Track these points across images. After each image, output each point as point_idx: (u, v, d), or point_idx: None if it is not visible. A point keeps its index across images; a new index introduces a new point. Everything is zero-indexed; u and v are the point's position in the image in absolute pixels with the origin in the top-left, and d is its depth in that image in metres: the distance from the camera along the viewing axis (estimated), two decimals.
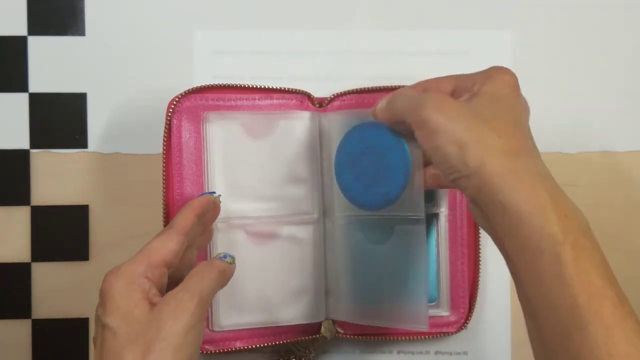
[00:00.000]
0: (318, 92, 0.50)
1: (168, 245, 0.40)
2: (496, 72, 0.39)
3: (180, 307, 0.37)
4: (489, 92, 0.38)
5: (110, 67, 0.52)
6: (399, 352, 0.53)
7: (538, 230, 0.33)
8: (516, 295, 0.53)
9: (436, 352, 0.53)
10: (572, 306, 0.32)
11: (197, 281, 0.39)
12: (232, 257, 0.42)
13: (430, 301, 0.50)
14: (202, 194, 0.45)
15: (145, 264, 0.39)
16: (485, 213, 0.35)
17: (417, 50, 0.53)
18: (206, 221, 0.45)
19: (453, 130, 0.35)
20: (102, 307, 0.38)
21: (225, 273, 0.41)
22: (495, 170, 0.34)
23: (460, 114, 0.36)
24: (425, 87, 0.42)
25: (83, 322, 0.52)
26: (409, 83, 0.50)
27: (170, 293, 0.38)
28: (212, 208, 0.44)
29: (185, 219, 0.42)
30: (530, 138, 0.37)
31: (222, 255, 0.42)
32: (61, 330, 0.52)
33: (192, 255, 0.44)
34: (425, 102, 0.37)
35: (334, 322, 0.50)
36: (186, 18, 0.53)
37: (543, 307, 0.33)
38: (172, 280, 0.40)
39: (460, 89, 0.40)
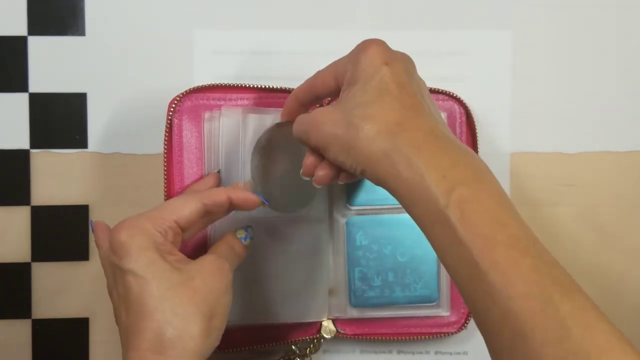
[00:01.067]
0: None
1: (185, 209, 0.41)
2: (360, 51, 0.38)
3: (223, 270, 0.40)
4: (357, 79, 0.38)
5: (110, 67, 0.52)
6: (399, 352, 0.53)
7: (426, 200, 0.34)
8: None
9: (436, 352, 0.53)
10: (470, 263, 0.32)
11: (225, 251, 0.42)
12: (251, 239, 0.44)
13: (430, 301, 0.50)
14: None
15: (159, 225, 0.39)
16: (394, 196, 0.36)
17: (417, 50, 0.53)
18: (219, 214, 0.44)
19: (335, 138, 0.37)
20: (121, 259, 0.38)
21: (242, 257, 0.44)
22: (378, 157, 0.35)
23: (335, 120, 0.37)
24: (314, 84, 0.42)
25: (83, 322, 0.52)
26: None
27: (207, 258, 0.40)
28: (223, 210, 0.44)
29: (212, 193, 0.42)
30: (408, 100, 0.37)
31: (243, 235, 0.44)
32: (61, 330, 0.52)
33: (202, 225, 0.44)
34: (308, 126, 0.38)
35: (334, 322, 0.50)
36: (186, 18, 0.53)
37: (452, 270, 0.34)
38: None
39: (340, 78, 0.40)
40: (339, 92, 0.40)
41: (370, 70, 0.37)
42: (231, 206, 0.43)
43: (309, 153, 0.40)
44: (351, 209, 0.50)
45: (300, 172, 0.41)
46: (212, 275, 0.39)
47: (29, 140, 0.52)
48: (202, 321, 0.37)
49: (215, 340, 0.38)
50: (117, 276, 0.38)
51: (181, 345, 0.36)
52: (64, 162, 0.52)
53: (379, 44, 0.38)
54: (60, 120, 0.52)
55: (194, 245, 0.48)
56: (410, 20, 0.53)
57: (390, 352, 0.53)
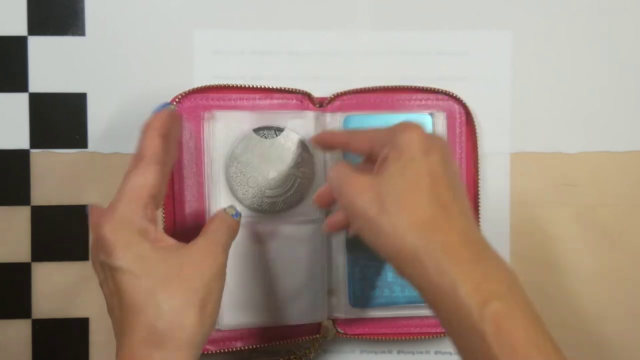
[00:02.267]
0: (318, 92, 0.50)
1: (149, 180, 0.39)
2: (400, 134, 0.38)
3: (215, 253, 0.39)
4: (395, 161, 0.37)
5: (110, 67, 0.53)
6: (399, 352, 0.53)
7: (456, 309, 0.33)
8: None
9: (436, 352, 0.53)
10: None
11: (216, 231, 0.40)
12: (240, 215, 0.43)
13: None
14: (158, 108, 0.42)
15: (138, 206, 0.38)
16: (417, 291, 0.36)
17: (417, 50, 0.53)
18: (171, 138, 0.42)
19: (365, 216, 0.36)
20: (109, 255, 0.37)
21: (235, 230, 0.42)
22: (406, 255, 0.34)
23: (369, 198, 0.36)
24: (347, 140, 0.42)
25: (83, 322, 0.52)
26: (409, 83, 0.50)
27: (198, 242, 0.39)
28: (175, 122, 0.42)
29: (153, 145, 0.40)
30: (443, 195, 0.36)
31: (233, 212, 0.43)
32: (61, 330, 0.52)
33: (166, 178, 0.42)
34: (342, 187, 0.38)
35: (334, 322, 0.50)
36: (186, 18, 0.53)
37: None
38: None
39: (376, 149, 0.39)
40: (370, 156, 0.40)
41: (408, 155, 0.37)
42: (167, 135, 0.42)
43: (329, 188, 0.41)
44: None
45: (313, 198, 0.43)
46: (203, 260, 0.38)
47: (29, 140, 0.52)
48: (194, 312, 0.36)
49: (209, 327, 0.38)
50: (106, 272, 0.38)
51: (174, 338, 0.36)
52: (64, 162, 0.52)
53: (418, 129, 0.38)
54: (60, 120, 0.52)
55: (192, 223, 0.48)
56: (410, 20, 0.53)
57: (390, 352, 0.53)
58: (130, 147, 0.52)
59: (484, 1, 0.54)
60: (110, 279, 0.37)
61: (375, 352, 0.53)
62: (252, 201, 0.48)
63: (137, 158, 0.40)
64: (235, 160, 0.48)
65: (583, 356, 0.53)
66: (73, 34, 0.53)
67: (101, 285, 0.39)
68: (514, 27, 0.54)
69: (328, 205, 0.43)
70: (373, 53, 0.53)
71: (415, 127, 0.38)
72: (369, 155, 0.40)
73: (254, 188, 0.48)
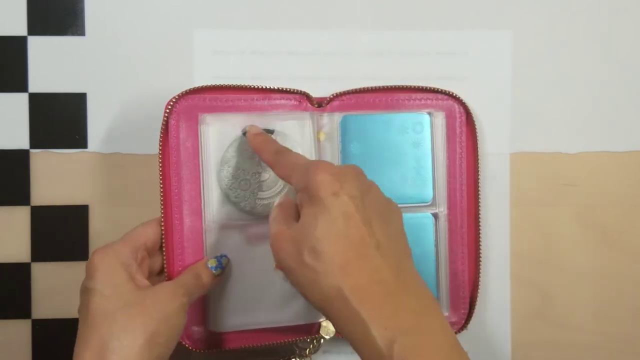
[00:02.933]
0: (318, 92, 0.50)
1: (149, 232, 0.46)
2: (310, 176, 0.38)
3: (176, 294, 0.43)
4: (308, 205, 0.38)
5: (110, 67, 0.53)
6: None
7: (370, 353, 0.35)
8: (516, 295, 0.53)
9: None
10: None
11: (185, 280, 0.45)
12: (221, 269, 0.47)
13: None
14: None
15: (130, 246, 0.44)
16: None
17: (417, 50, 0.53)
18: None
19: (290, 270, 0.38)
20: (89, 279, 0.42)
21: (207, 287, 0.46)
22: (325, 302, 0.36)
23: (291, 251, 0.38)
24: (273, 164, 0.43)
25: None
26: (409, 83, 0.50)
27: (164, 283, 0.44)
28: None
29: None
30: (355, 236, 0.37)
31: (214, 264, 0.46)
32: (61, 330, 0.52)
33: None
34: (273, 243, 0.39)
35: None
36: (186, 18, 0.53)
37: None
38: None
39: (293, 184, 0.40)
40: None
41: (318, 201, 0.37)
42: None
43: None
44: None
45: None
46: (164, 296, 0.42)
47: (29, 140, 0.52)
48: (144, 336, 0.40)
49: (158, 356, 0.41)
50: (83, 296, 0.42)
51: (122, 356, 0.39)
52: (64, 162, 0.52)
53: (326, 169, 0.38)
54: (60, 120, 0.52)
55: (190, 223, 0.48)
56: (410, 20, 0.53)
57: None
58: (130, 147, 0.52)
59: (484, 1, 0.54)
60: (84, 301, 0.42)
61: None
62: (246, 204, 0.48)
63: (152, 220, 0.47)
64: (226, 164, 0.48)
65: (583, 356, 0.53)
66: (73, 34, 0.53)
67: (78, 312, 0.43)
68: (513, 27, 0.54)
69: None
70: (373, 53, 0.53)
71: (323, 167, 0.38)
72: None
73: (247, 191, 0.48)
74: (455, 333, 0.50)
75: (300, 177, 0.39)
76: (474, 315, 0.51)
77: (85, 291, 0.42)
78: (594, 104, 0.54)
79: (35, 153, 0.52)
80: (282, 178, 0.42)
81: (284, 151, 0.43)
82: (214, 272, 0.46)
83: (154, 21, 0.53)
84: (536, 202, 0.53)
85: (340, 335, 0.37)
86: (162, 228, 0.46)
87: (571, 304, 0.53)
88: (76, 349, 0.40)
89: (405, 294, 0.36)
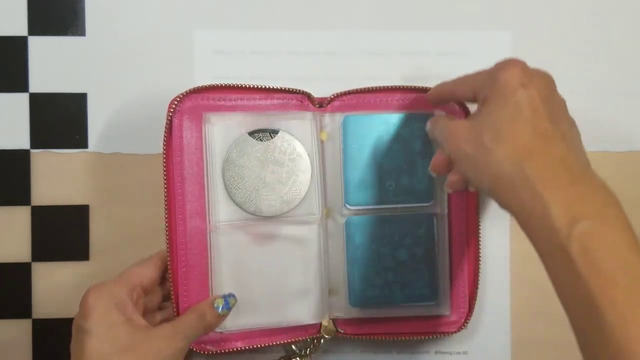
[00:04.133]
0: (318, 92, 0.50)
1: (145, 271, 0.45)
2: (499, 71, 0.39)
3: (174, 339, 0.42)
4: (493, 98, 0.39)
5: (110, 67, 0.52)
6: (399, 352, 0.53)
7: (546, 230, 0.34)
8: (516, 295, 0.53)
9: (436, 352, 0.53)
10: (587, 299, 0.32)
11: (186, 322, 0.44)
12: (228, 309, 0.46)
13: (430, 300, 0.50)
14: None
15: (126, 286, 0.43)
16: (516, 220, 0.37)
17: (417, 50, 0.53)
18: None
19: (467, 158, 0.39)
20: (84, 318, 0.41)
21: (212, 327, 0.45)
22: (505, 183, 0.36)
23: (469, 139, 0.39)
24: (453, 93, 0.45)
25: None
26: (409, 83, 0.50)
27: (163, 326, 0.43)
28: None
29: (162, 255, 0.48)
30: (541, 126, 0.37)
31: (221, 304, 0.45)
32: (61, 330, 0.52)
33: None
34: (444, 137, 0.41)
35: (334, 321, 0.50)
36: (186, 18, 0.53)
37: (567, 304, 0.34)
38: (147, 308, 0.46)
39: (477, 92, 0.41)
40: (474, 101, 0.42)
41: (506, 91, 0.38)
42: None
43: (441, 152, 0.43)
44: (350, 209, 0.50)
45: (429, 167, 0.46)
46: (162, 342, 0.42)
47: (29, 140, 0.52)
48: None
49: None
50: (77, 334, 0.41)
51: None
52: (64, 162, 0.52)
53: (517, 64, 0.39)
54: (60, 120, 0.52)
55: (193, 224, 0.48)
56: (410, 20, 0.53)
57: (390, 352, 0.53)
58: (130, 147, 0.52)
59: (484, 2, 0.54)
60: (78, 340, 0.41)
61: (375, 352, 0.53)
62: (251, 204, 0.48)
63: (148, 258, 0.47)
64: (231, 164, 0.48)
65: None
66: (73, 34, 0.53)
67: (72, 349, 0.42)
68: (513, 27, 0.54)
69: (445, 170, 0.44)
70: (373, 53, 0.53)
71: (514, 62, 0.39)
72: (474, 100, 0.42)
73: (252, 191, 0.48)
74: (455, 332, 0.50)
75: (486, 77, 0.40)
76: (474, 314, 0.51)
77: (80, 330, 0.41)
78: (594, 104, 0.54)
79: (35, 153, 0.52)
80: (465, 99, 0.44)
81: (460, 77, 0.44)
82: (220, 312, 0.45)
83: (154, 21, 0.53)
84: None
85: (513, 214, 0.37)
86: (159, 271, 0.47)
87: None
88: None
89: (590, 185, 0.36)
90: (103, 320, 0.41)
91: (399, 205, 0.49)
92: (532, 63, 0.53)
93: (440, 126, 0.43)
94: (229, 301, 0.46)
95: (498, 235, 0.53)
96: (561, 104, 0.40)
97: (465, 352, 0.53)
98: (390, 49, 0.53)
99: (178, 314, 0.47)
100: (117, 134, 0.52)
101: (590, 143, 0.53)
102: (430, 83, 0.50)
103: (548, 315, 0.53)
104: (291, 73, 0.53)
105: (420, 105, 0.50)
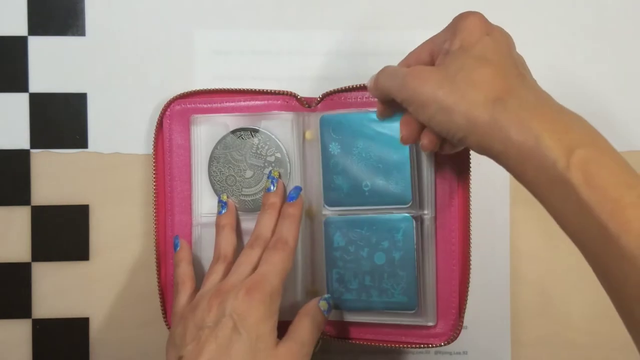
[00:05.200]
0: (318, 93, 0.50)
1: (286, 265, 0.43)
2: (459, 21, 0.38)
3: (300, 353, 0.41)
4: (458, 47, 0.37)
5: (110, 67, 0.53)
6: (398, 352, 0.53)
7: (541, 163, 0.33)
8: (516, 295, 0.53)
9: (436, 352, 0.53)
10: (599, 227, 0.31)
11: (307, 331, 0.42)
12: (330, 309, 0.45)
13: (408, 309, 0.46)
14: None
15: (282, 282, 0.42)
16: (498, 162, 0.35)
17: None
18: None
19: (436, 99, 0.36)
20: (240, 314, 0.39)
21: (322, 326, 0.44)
22: (484, 123, 0.34)
23: (437, 80, 0.36)
24: (407, 62, 0.42)
25: (83, 322, 0.52)
26: None
27: (289, 346, 0.41)
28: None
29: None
30: (512, 70, 0.36)
31: (326, 308, 0.45)
32: (61, 330, 0.52)
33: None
34: (405, 79, 0.38)
35: None
36: (186, 18, 0.53)
37: (576, 236, 0.33)
38: None
39: (436, 51, 0.40)
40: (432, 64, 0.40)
41: (471, 39, 0.37)
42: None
43: (406, 119, 0.40)
44: (329, 210, 0.48)
45: (400, 139, 0.41)
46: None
47: (29, 140, 0.52)
48: None
49: None
50: (223, 323, 0.39)
51: None
52: (64, 162, 0.52)
53: (478, 15, 0.38)
54: (60, 120, 0.52)
55: (181, 222, 0.50)
56: (411, 20, 0.53)
57: (390, 351, 0.53)
58: (130, 147, 0.52)
59: (484, 1, 0.53)
60: (226, 330, 0.39)
61: (375, 352, 0.53)
62: (232, 199, 0.49)
63: (284, 244, 0.44)
64: (214, 160, 0.49)
65: (583, 356, 0.53)
66: (73, 34, 0.53)
67: (206, 323, 0.40)
68: (513, 27, 0.53)
69: (416, 134, 0.40)
70: (373, 53, 0.53)
71: (474, 12, 0.38)
72: (432, 63, 0.40)
73: (232, 186, 0.49)
74: (444, 344, 0.47)
75: (445, 32, 0.39)
76: (474, 314, 0.51)
77: (229, 322, 0.39)
78: (594, 103, 0.54)
79: (35, 153, 0.52)
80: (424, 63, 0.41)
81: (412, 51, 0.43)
82: (326, 315, 0.45)
83: (154, 21, 0.53)
84: (536, 201, 0.53)
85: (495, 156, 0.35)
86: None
87: (571, 304, 0.53)
88: None
89: (575, 117, 0.35)
90: (256, 328, 0.39)
91: (377, 207, 0.46)
92: (531, 62, 0.53)
93: (395, 73, 0.39)
94: (330, 301, 0.46)
95: (498, 235, 0.53)
96: (522, 58, 0.39)
97: (465, 352, 0.53)
98: (390, 49, 0.53)
99: (165, 312, 0.49)
100: (117, 134, 0.52)
101: None
102: None
103: (548, 315, 0.53)
104: (291, 73, 0.53)
105: None
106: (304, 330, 0.42)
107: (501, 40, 0.38)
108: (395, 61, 0.53)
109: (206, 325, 0.39)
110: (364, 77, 0.52)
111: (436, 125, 0.37)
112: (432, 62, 0.40)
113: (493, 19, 0.54)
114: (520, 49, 0.54)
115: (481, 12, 0.39)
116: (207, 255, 0.49)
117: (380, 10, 0.53)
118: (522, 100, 0.34)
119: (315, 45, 0.53)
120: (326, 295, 0.46)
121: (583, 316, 0.53)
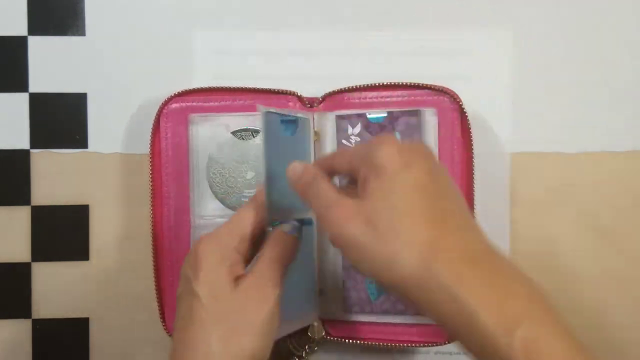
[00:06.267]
0: (319, 92, 0.50)
1: (253, 217, 0.40)
2: (376, 150, 0.35)
3: (264, 294, 0.38)
4: (375, 180, 0.34)
5: (110, 67, 0.53)
6: (398, 352, 0.53)
7: (479, 339, 0.31)
8: None
9: (436, 352, 0.53)
10: None
11: (274, 267, 0.39)
12: (295, 229, 0.42)
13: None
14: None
15: (238, 238, 0.39)
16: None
17: (417, 50, 0.53)
18: None
19: (360, 246, 0.33)
20: (193, 271, 0.38)
21: (291, 249, 0.41)
22: (411, 286, 0.32)
23: (360, 225, 0.33)
24: (331, 166, 0.39)
25: (83, 322, 0.52)
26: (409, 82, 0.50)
27: (254, 272, 0.38)
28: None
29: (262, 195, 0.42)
30: (437, 214, 0.33)
31: (289, 229, 0.41)
32: (61, 330, 0.52)
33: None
34: (329, 211, 0.35)
35: (323, 322, 0.50)
36: (186, 18, 0.53)
37: None
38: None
39: (354, 170, 0.37)
40: (352, 177, 0.38)
41: (388, 173, 0.34)
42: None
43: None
44: None
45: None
46: (255, 305, 0.38)
47: (29, 140, 0.52)
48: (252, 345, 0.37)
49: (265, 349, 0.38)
50: (186, 288, 0.39)
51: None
52: (64, 162, 0.52)
53: (393, 142, 0.35)
54: (60, 120, 0.52)
55: (178, 220, 0.49)
56: (411, 19, 0.53)
57: (390, 351, 0.53)
58: (130, 147, 0.52)
59: (485, 1, 0.53)
60: (187, 298, 0.38)
61: (375, 352, 0.53)
62: (232, 200, 0.49)
63: (251, 200, 0.41)
64: (214, 162, 0.49)
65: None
66: (73, 34, 0.53)
67: (179, 294, 0.40)
68: (514, 26, 0.54)
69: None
70: (373, 53, 0.53)
71: (389, 140, 0.35)
72: (350, 176, 0.38)
73: (233, 188, 0.49)
74: (448, 342, 0.48)
75: (363, 154, 0.36)
76: None
77: (188, 288, 0.38)
78: (594, 103, 0.54)
79: (35, 153, 0.52)
80: (344, 174, 0.39)
81: (340, 150, 0.40)
82: (293, 234, 0.41)
83: (154, 21, 0.53)
84: (536, 202, 0.53)
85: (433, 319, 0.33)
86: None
87: (571, 304, 0.53)
88: (178, 353, 0.38)
89: (506, 270, 0.32)
90: (208, 288, 0.37)
91: None
92: (533, 61, 0.54)
93: (315, 193, 0.36)
94: (295, 224, 0.42)
95: (498, 235, 0.53)
96: (447, 178, 0.36)
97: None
98: (390, 49, 0.53)
99: (163, 314, 0.48)
100: (117, 134, 0.52)
101: (591, 143, 0.54)
102: (431, 82, 0.50)
103: None
104: (291, 73, 0.53)
105: (411, 102, 0.49)
106: (263, 261, 0.39)
107: (421, 169, 0.34)
108: (395, 61, 0.53)
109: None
110: (366, 77, 0.52)
111: (360, 268, 0.34)
112: (352, 176, 0.37)
113: (494, 18, 0.54)
114: (522, 48, 0.54)
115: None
116: None
117: (380, 10, 0.53)
118: (449, 258, 0.32)
119: (316, 45, 0.53)
120: (289, 223, 0.42)
121: (583, 317, 0.53)
